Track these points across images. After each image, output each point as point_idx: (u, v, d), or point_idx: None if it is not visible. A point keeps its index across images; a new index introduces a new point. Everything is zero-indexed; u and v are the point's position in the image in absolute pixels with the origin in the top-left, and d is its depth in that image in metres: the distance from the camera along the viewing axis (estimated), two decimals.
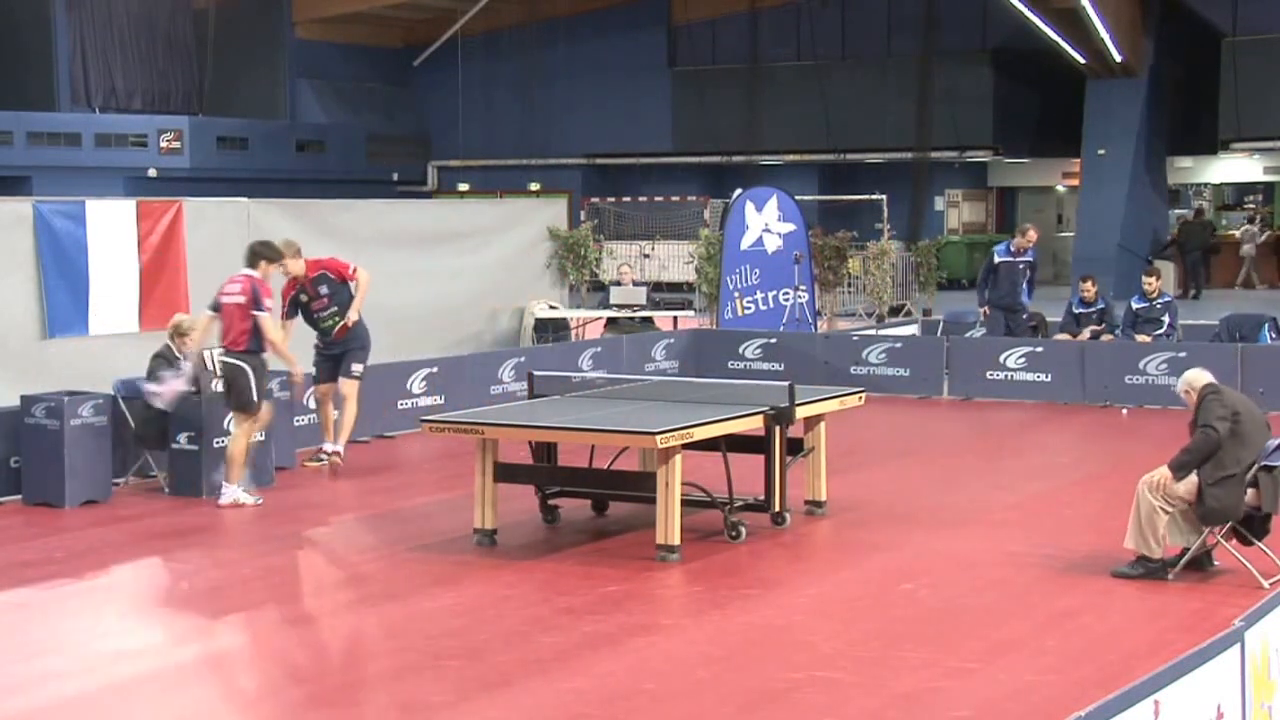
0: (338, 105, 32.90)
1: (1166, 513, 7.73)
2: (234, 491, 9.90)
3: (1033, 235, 15.94)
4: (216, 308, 10.07)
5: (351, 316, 10.99)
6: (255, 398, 9.88)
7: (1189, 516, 7.85)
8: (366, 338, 11.23)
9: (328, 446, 11.16)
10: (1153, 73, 27.03)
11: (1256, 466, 7.65)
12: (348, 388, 11.00)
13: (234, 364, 9.91)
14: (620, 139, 31.88)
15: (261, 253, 10.19)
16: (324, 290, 10.94)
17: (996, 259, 15.74)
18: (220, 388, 10.16)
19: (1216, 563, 7.99)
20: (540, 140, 31.48)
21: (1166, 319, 15.00)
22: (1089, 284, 15.63)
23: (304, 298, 10.96)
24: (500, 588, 7.89)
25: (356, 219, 16.07)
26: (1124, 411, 14.04)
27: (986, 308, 15.83)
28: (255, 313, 9.84)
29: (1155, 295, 15.21)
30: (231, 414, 10.00)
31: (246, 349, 9.88)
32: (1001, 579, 8.07)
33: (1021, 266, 15.60)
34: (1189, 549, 7.84)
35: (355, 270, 11.13)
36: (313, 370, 11.09)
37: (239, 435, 9.87)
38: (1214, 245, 28.30)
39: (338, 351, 11.05)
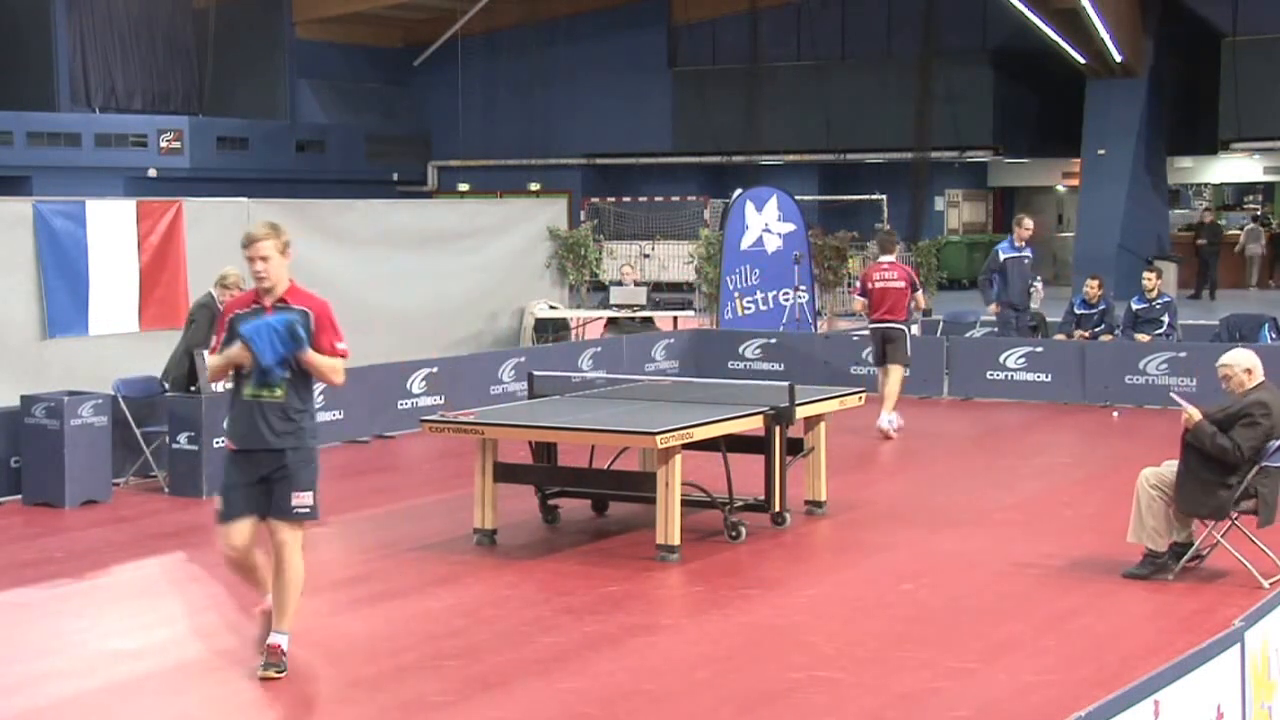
0: (338, 105, 32.91)
1: (1165, 502, 7.73)
2: (893, 419, 12.82)
3: (1029, 225, 15.70)
4: (866, 292, 13.05)
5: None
6: (909, 353, 13.08)
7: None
8: (316, 447, 6.57)
9: (270, 639, 6.47)
10: (1153, 73, 27.05)
11: (1255, 470, 7.63)
12: (290, 535, 6.39)
13: (897, 329, 12.91)
14: (620, 139, 31.90)
15: (893, 240, 13.60)
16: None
17: (1003, 256, 15.31)
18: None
19: (1203, 552, 7.96)
20: (540, 140, 31.51)
21: (1166, 319, 14.97)
22: (1094, 284, 15.52)
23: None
24: (500, 588, 7.90)
25: (357, 219, 16.09)
26: (1115, 414, 14.05)
27: (996, 305, 15.49)
28: (915, 293, 13.03)
29: (1155, 295, 15.16)
30: (889, 365, 13.02)
31: (906, 319, 13.03)
32: (1001, 579, 8.08)
33: (1026, 262, 15.35)
34: (1192, 544, 7.85)
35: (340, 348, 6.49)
36: (218, 496, 6.62)
37: (895, 379, 12.97)
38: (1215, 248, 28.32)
39: (268, 470, 6.36)
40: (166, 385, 10.83)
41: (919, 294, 13.26)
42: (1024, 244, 15.37)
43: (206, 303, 10.71)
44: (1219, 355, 14.73)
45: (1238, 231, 29.69)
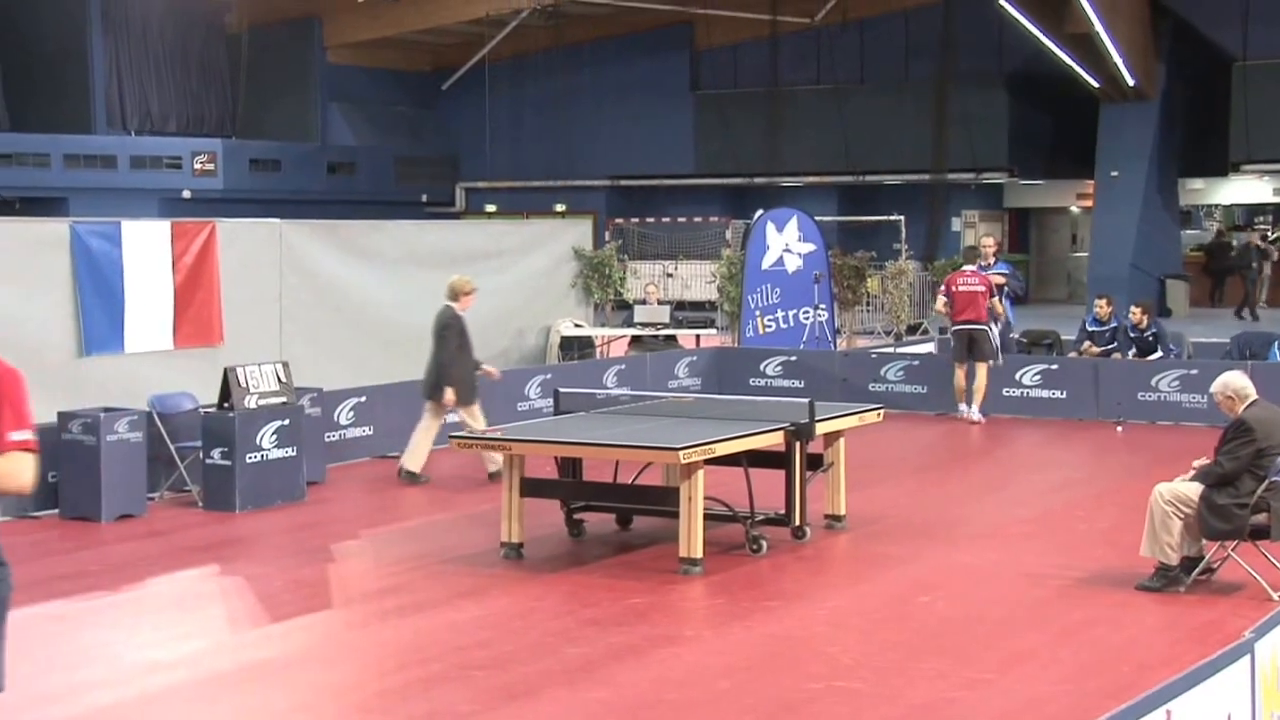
0: (368, 128, 33.16)
1: (1179, 518, 7.87)
2: (976, 412, 14.57)
3: (989, 243, 15.98)
4: (949, 295, 14.69)
5: None
6: (995, 348, 14.55)
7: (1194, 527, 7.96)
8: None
9: None
10: (1165, 96, 27.11)
11: (1265, 484, 7.75)
12: None
13: (981, 330, 14.46)
14: (644, 161, 32.04)
15: (976, 253, 15.50)
16: None
17: None
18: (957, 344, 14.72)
19: (1214, 565, 8.09)
20: (566, 162, 31.67)
21: (1159, 349, 15.13)
22: (1103, 303, 15.76)
23: None
24: (527, 600, 8.02)
25: (386, 239, 16.25)
26: (1119, 429, 14.19)
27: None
28: (992, 299, 14.54)
29: (1145, 326, 15.31)
30: (977, 363, 14.58)
31: (986, 321, 14.46)
32: (1017, 591, 8.19)
33: (997, 281, 15.56)
34: (1203, 558, 7.97)
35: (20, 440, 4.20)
36: None
37: (983, 375, 14.56)
38: (1230, 266, 28.37)
39: None
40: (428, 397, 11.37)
41: (994, 300, 14.55)
42: (992, 261, 15.61)
43: (450, 320, 11.15)
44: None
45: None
